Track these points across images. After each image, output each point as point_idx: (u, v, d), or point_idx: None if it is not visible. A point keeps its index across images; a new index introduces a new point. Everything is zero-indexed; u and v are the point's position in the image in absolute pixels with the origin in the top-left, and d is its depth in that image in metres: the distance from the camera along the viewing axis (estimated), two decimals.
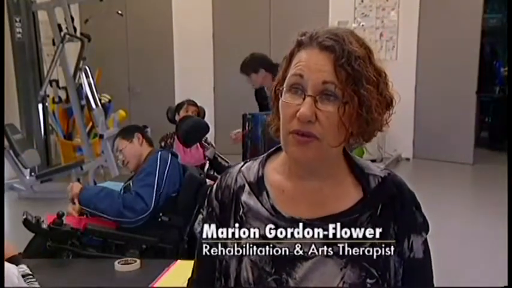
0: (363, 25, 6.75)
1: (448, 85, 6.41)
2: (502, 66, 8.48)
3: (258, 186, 0.99)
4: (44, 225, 2.24)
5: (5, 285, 1.16)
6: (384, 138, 6.51)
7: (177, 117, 3.87)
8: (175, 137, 3.61)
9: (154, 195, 2.45)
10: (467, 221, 4.51)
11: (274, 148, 1.04)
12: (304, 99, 0.89)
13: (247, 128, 3.14)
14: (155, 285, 1.81)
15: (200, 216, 2.56)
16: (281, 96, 0.93)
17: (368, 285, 0.93)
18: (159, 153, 2.61)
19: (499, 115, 8.00)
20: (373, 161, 6.20)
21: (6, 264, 1.24)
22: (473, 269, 3.47)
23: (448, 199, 5.07)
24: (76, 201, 2.50)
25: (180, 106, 3.99)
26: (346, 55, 0.89)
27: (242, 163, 1.05)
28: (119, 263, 2.00)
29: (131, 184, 2.56)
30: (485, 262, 3.56)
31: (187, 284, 1.08)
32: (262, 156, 1.05)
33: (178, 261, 2.02)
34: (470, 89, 6.39)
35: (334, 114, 0.89)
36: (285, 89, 0.93)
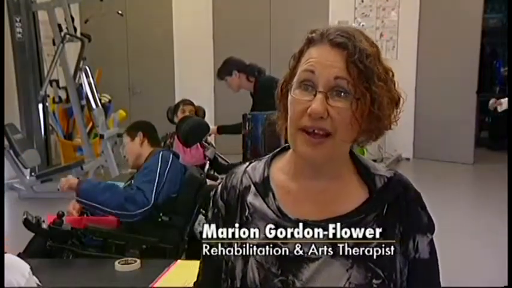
0: (363, 25, 6.74)
1: (448, 85, 6.41)
2: (502, 66, 8.47)
3: (264, 187, 0.98)
4: (44, 225, 2.24)
5: (16, 278, 1.15)
6: (384, 138, 6.49)
7: (175, 119, 3.86)
8: (175, 136, 3.61)
9: (154, 191, 2.45)
10: (467, 221, 4.51)
11: (280, 148, 1.03)
12: (315, 95, 0.89)
13: (247, 128, 3.14)
14: (155, 285, 1.81)
15: (200, 217, 2.57)
16: (291, 92, 0.92)
17: (374, 285, 0.92)
18: (161, 152, 2.62)
19: (499, 115, 7.99)
20: (373, 161, 6.19)
21: (17, 259, 1.23)
22: (473, 268, 3.46)
23: (448, 199, 5.06)
24: (68, 190, 2.47)
25: (176, 107, 3.98)
26: (358, 52, 0.89)
27: (247, 163, 1.04)
28: (119, 263, 2.00)
29: (133, 183, 2.56)
30: (485, 262, 3.56)
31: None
32: (267, 156, 1.04)
33: (179, 261, 2.02)
34: (470, 89, 6.39)
35: (346, 110, 0.89)
36: (294, 85, 0.92)
